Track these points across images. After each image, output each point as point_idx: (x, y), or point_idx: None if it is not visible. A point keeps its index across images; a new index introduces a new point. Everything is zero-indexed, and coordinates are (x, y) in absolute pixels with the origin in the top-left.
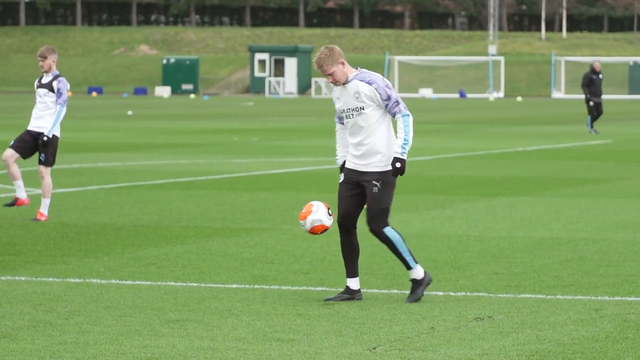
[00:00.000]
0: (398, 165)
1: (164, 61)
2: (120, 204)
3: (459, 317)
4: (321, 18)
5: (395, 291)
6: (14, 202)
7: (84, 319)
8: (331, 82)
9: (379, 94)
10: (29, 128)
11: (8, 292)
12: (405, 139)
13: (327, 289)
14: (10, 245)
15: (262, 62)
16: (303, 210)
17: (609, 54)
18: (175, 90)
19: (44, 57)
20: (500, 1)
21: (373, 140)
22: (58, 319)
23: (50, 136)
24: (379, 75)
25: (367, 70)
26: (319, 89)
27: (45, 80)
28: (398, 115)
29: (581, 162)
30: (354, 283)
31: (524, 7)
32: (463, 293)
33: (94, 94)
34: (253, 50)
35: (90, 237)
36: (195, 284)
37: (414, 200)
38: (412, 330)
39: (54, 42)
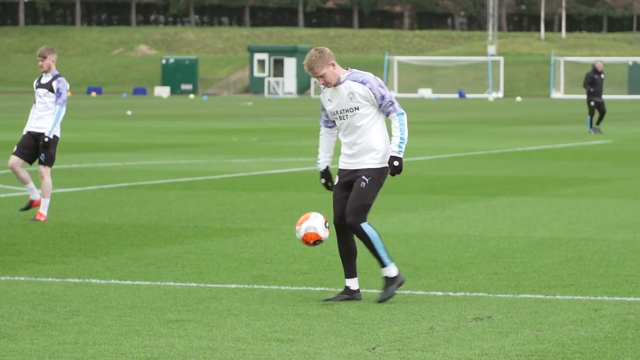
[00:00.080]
0: (396, 164)
1: (163, 61)
2: (119, 204)
3: (458, 317)
4: (320, 18)
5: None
6: (30, 205)
7: (84, 319)
8: (322, 84)
9: (374, 93)
10: (29, 129)
11: (7, 292)
12: (401, 138)
13: (327, 289)
14: (10, 245)
15: (261, 62)
16: (300, 218)
17: (608, 54)
18: (175, 91)
19: (44, 57)
20: (500, 1)
21: (367, 139)
22: (57, 319)
23: (51, 137)
24: (371, 75)
25: (358, 70)
26: (318, 89)
27: (44, 80)
28: (393, 114)
29: (581, 162)
30: (353, 283)
31: (523, 7)
32: (462, 293)
33: (93, 94)
34: (252, 51)
35: (90, 237)
36: (194, 284)
37: (413, 200)
38: (411, 331)
39: (53, 42)
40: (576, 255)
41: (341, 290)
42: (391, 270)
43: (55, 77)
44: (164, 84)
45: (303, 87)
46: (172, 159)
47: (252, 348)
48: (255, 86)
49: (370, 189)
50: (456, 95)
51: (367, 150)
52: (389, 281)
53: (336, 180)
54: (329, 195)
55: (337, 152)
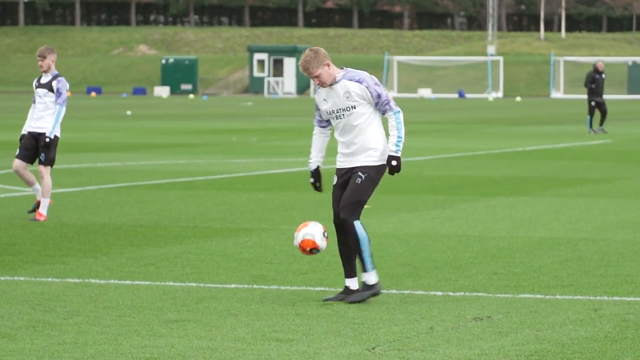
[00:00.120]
0: (394, 163)
1: (163, 61)
2: (119, 204)
3: (458, 317)
4: (320, 18)
5: (394, 291)
6: (37, 206)
7: (83, 319)
8: (317, 84)
9: (370, 92)
10: (30, 129)
11: (7, 292)
12: (398, 137)
13: (326, 289)
14: (9, 245)
15: (261, 62)
16: (300, 225)
17: (607, 54)
18: (174, 90)
19: (43, 57)
20: (499, 1)
21: (364, 138)
22: (57, 319)
23: (52, 137)
24: (366, 73)
25: (353, 69)
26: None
27: (44, 80)
28: (389, 113)
29: (580, 162)
30: (352, 283)
31: (522, 7)
32: (462, 293)
33: (93, 94)
34: (252, 50)
35: (89, 237)
36: (194, 284)
37: (413, 200)
38: (411, 330)
39: (53, 42)
40: (576, 255)
41: (341, 290)
42: (371, 278)
43: (55, 77)
44: (163, 84)
45: (303, 87)
46: (172, 159)
47: (252, 348)
48: (255, 86)
49: (365, 186)
50: (456, 95)
51: (364, 148)
52: (366, 287)
53: (334, 180)
54: (329, 195)
55: (332, 152)
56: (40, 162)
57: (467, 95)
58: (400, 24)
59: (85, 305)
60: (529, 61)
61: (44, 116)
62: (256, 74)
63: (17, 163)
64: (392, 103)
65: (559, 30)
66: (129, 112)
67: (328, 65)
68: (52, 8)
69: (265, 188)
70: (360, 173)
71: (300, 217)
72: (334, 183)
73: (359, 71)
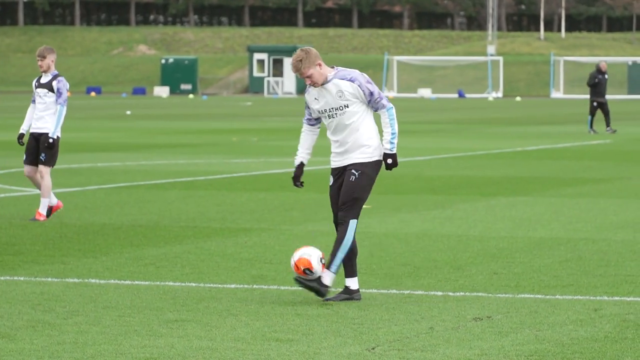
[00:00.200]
0: (390, 161)
1: (163, 61)
2: (119, 204)
3: (457, 317)
4: (320, 18)
5: (394, 291)
6: (50, 211)
7: (83, 319)
8: (309, 84)
9: (362, 90)
10: (31, 130)
11: (7, 292)
12: (392, 133)
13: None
14: (9, 245)
15: (260, 62)
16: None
17: (607, 54)
18: (174, 90)
19: (43, 57)
20: (499, 1)
21: (357, 136)
22: (57, 319)
23: (55, 137)
24: (358, 72)
25: (344, 68)
26: None
27: (44, 80)
28: (382, 110)
29: (580, 162)
30: (352, 283)
31: (522, 7)
32: (462, 293)
33: (93, 94)
34: (252, 50)
35: (89, 237)
36: (194, 284)
37: (413, 200)
38: (411, 331)
39: (53, 42)
40: (576, 255)
41: (341, 290)
42: (326, 278)
43: (55, 77)
44: (163, 83)
45: (302, 87)
46: (171, 159)
47: (252, 348)
48: (254, 86)
49: (361, 183)
50: (456, 95)
51: (357, 146)
52: (318, 280)
53: (330, 180)
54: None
55: (327, 152)
56: (41, 162)
57: (467, 95)
58: (400, 24)
59: (85, 305)
60: (529, 61)
61: (44, 116)
62: (256, 73)
63: (28, 169)
64: (384, 100)
65: (559, 30)
66: (128, 112)
67: (320, 65)
68: (52, 8)
69: (265, 188)
70: (354, 170)
71: (300, 217)
72: (331, 183)
73: (350, 70)
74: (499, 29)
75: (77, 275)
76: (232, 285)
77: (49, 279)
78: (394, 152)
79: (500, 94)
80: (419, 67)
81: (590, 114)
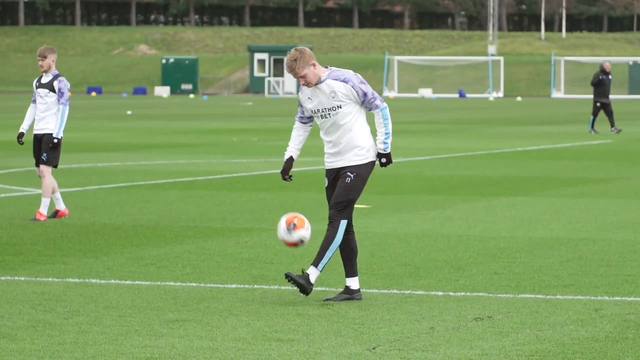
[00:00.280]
0: (384, 160)
1: (163, 61)
2: (119, 204)
3: (458, 317)
4: (320, 18)
5: (395, 291)
6: (54, 215)
7: (84, 319)
8: (303, 84)
9: (356, 91)
10: (34, 132)
11: (7, 292)
12: (386, 133)
13: (327, 289)
14: (10, 245)
15: (261, 62)
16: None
17: (608, 54)
18: (175, 90)
19: (44, 57)
20: (500, 1)
21: (351, 136)
22: (57, 319)
23: (60, 137)
24: (352, 72)
25: (337, 68)
26: None
27: (44, 80)
28: (376, 110)
29: (581, 162)
30: (353, 282)
31: (523, 7)
32: (463, 293)
33: (93, 93)
34: (252, 50)
35: (90, 237)
36: (194, 284)
37: (413, 200)
38: (411, 330)
39: (53, 42)
40: (576, 255)
41: (341, 290)
42: (313, 275)
43: (55, 77)
44: (164, 83)
45: None
46: (172, 158)
47: (253, 348)
48: (255, 86)
49: (355, 185)
50: (456, 95)
51: (351, 147)
52: (305, 277)
53: (326, 182)
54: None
55: (320, 152)
56: (42, 162)
57: (468, 95)
58: (400, 24)
59: (86, 305)
60: (530, 61)
61: (46, 117)
62: (256, 73)
63: (39, 170)
64: (378, 100)
65: (560, 30)
66: (129, 112)
67: (314, 65)
68: (53, 8)
69: (265, 188)
70: (349, 173)
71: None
72: (326, 185)
73: (344, 70)
74: (500, 28)
75: (78, 275)
76: (233, 285)
77: (50, 279)
78: (388, 152)
79: (501, 94)
80: (420, 67)
81: (593, 114)
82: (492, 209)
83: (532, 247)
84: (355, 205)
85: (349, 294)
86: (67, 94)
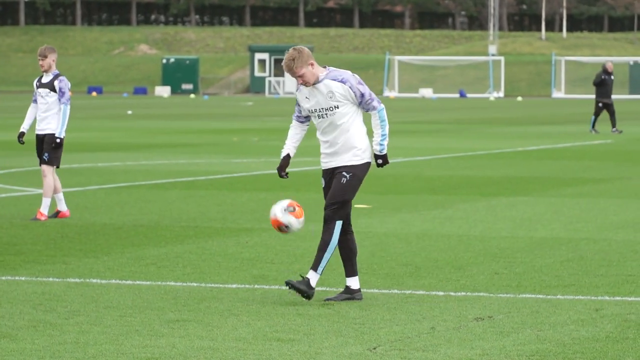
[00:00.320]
0: (380, 161)
1: (164, 61)
2: (120, 204)
3: (459, 317)
4: (321, 18)
5: (396, 291)
6: (56, 215)
7: (84, 319)
8: (301, 84)
9: (353, 92)
10: (36, 132)
11: (8, 292)
12: (382, 135)
13: (327, 289)
14: (10, 245)
15: (262, 62)
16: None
17: (609, 54)
18: (175, 90)
19: (44, 57)
20: (501, 1)
21: (347, 137)
22: (58, 319)
23: (62, 137)
24: (349, 73)
25: (336, 69)
26: None
27: (45, 79)
28: (373, 111)
29: (581, 162)
30: (353, 282)
31: (524, 6)
32: (463, 293)
33: (94, 93)
34: (253, 50)
35: (90, 237)
36: (195, 284)
37: (413, 200)
38: (412, 330)
39: (54, 41)
40: (577, 255)
41: (342, 289)
42: (313, 279)
43: (56, 77)
44: (164, 83)
45: None
46: (172, 158)
47: (253, 348)
48: (255, 86)
49: (351, 185)
50: (457, 95)
51: (347, 148)
52: (306, 282)
53: (323, 183)
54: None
55: (316, 152)
56: (44, 162)
57: (468, 95)
58: (401, 24)
59: (87, 305)
60: (530, 61)
61: (47, 117)
62: (257, 73)
63: None
64: (375, 101)
65: (560, 30)
66: (129, 112)
67: (312, 64)
68: (53, 8)
69: (266, 188)
70: (345, 173)
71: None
72: (323, 186)
73: (342, 71)
74: (500, 28)
75: (79, 275)
76: (234, 285)
77: (50, 279)
78: (384, 153)
79: (501, 94)
80: (420, 67)
81: (595, 115)
82: (493, 209)
83: (532, 247)
84: (356, 205)
85: (350, 294)
86: (68, 94)
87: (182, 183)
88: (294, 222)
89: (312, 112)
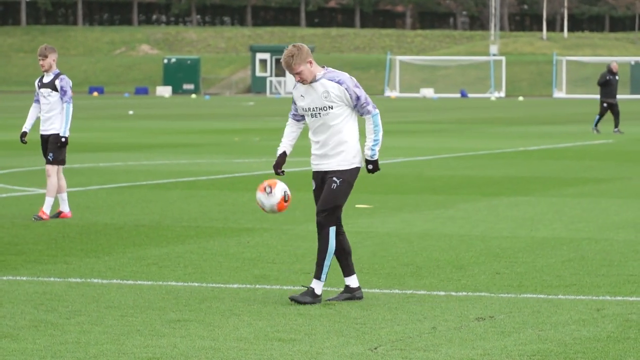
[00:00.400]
0: (370, 167)
1: (165, 61)
2: (121, 203)
3: (460, 317)
4: (322, 18)
5: (397, 291)
6: (57, 216)
7: (85, 318)
8: (298, 81)
9: (349, 94)
10: (40, 132)
11: (9, 292)
12: (375, 140)
13: (329, 289)
14: (12, 245)
15: (263, 62)
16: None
17: (610, 54)
18: (177, 90)
19: (44, 56)
20: (502, 1)
21: (339, 138)
22: (59, 318)
23: (67, 135)
24: (347, 75)
25: (334, 69)
26: None
27: (46, 79)
28: (367, 115)
29: (582, 162)
30: (352, 281)
31: (525, 6)
32: (465, 293)
33: (95, 93)
34: (254, 50)
35: (92, 237)
36: (196, 284)
37: (415, 200)
38: (413, 330)
39: (55, 41)
40: (578, 255)
41: (342, 289)
42: (318, 288)
43: (57, 76)
44: (165, 83)
45: None
46: (174, 158)
47: (254, 348)
48: (257, 86)
49: (342, 190)
50: (458, 95)
51: (338, 151)
52: (310, 292)
53: (313, 185)
54: None
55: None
56: (48, 162)
57: (470, 95)
58: (402, 24)
59: (88, 305)
60: (532, 61)
61: (51, 117)
62: (258, 73)
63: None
64: (370, 106)
65: (562, 29)
66: (131, 112)
67: (310, 62)
68: (55, 8)
69: None
70: (335, 178)
71: (302, 216)
72: (314, 188)
73: (339, 72)
74: (502, 28)
75: (80, 275)
76: (235, 285)
77: (52, 279)
78: (375, 159)
79: (502, 94)
80: (422, 66)
81: (600, 115)
82: (494, 209)
83: (533, 247)
84: (357, 205)
85: (350, 293)
86: (69, 92)
87: (184, 183)
88: (272, 201)
89: (306, 111)
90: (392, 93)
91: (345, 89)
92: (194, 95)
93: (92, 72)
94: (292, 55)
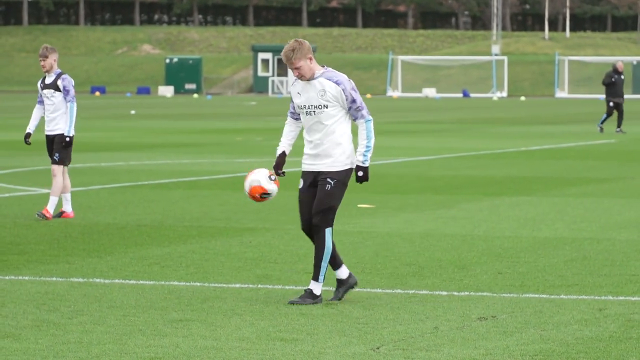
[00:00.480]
0: (360, 174)
1: (167, 60)
2: (123, 203)
3: (462, 317)
4: (324, 17)
5: (399, 291)
6: (60, 215)
7: (88, 318)
8: (296, 76)
9: (345, 95)
10: (46, 133)
11: (11, 291)
12: (367, 146)
13: (330, 288)
14: (14, 244)
15: (265, 62)
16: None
17: (612, 54)
18: (179, 90)
19: (45, 57)
20: (504, 1)
21: (332, 139)
22: (61, 318)
23: (72, 135)
24: (345, 76)
25: (333, 70)
26: None
27: (48, 80)
28: (360, 120)
29: (584, 162)
30: (342, 272)
31: (527, 6)
32: (467, 293)
33: (97, 93)
34: (256, 50)
35: (94, 237)
36: (198, 284)
37: (417, 200)
38: (415, 330)
39: (57, 41)
40: (580, 254)
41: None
42: (317, 289)
43: (59, 76)
44: (167, 83)
45: None
46: (176, 158)
47: (257, 348)
48: (259, 85)
49: (336, 191)
50: (460, 95)
51: (331, 151)
52: (309, 293)
53: (301, 183)
54: None
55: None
56: (54, 162)
57: (472, 95)
58: (404, 24)
59: (90, 304)
60: (534, 61)
61: (55, 117)
62: (260, 73)
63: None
64: (364, 111)
65: (564, 29)
66: (133, 112)
67: (310, 59)
68: (56, 7)
69: None
70: (329, 179)
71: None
72: (300, 186)
73: (339, 73)
74: (504, 28)
75: (82, 275)
76: (237, 285)
77: (54, 279)
78: (366, 165)
79: (504, 94)
80: (424, 66)
81: (607, 114)
82: (496, 209)
83: (536, 247)
84: (359, 205)
85: (344, 284)
86: (72, 91)
87: (186, 183)
88: (275, 189)
89: (302, 109)
90: (394, 93)
91: (342, 89)
92: (196, 95)
93: (94, 72)
94: (293, 49)
